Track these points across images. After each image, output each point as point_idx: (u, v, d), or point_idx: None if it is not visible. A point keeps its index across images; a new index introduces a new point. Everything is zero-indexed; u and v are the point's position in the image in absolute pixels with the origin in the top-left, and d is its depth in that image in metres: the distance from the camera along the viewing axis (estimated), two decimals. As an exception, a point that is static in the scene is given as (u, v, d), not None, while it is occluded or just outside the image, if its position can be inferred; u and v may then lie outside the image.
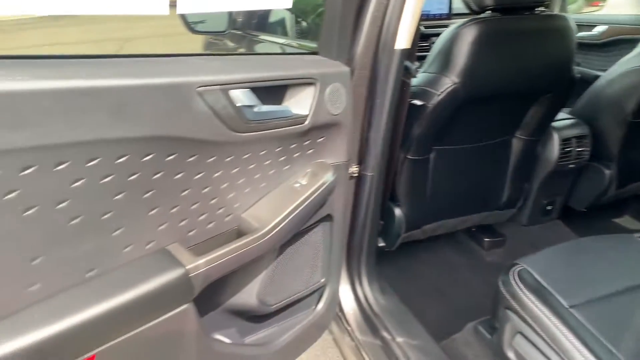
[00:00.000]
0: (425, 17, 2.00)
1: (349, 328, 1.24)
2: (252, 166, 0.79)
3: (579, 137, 1.66)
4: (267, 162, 0.81)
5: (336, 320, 1.28)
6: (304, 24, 2.10)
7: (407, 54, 1.01)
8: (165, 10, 0.71)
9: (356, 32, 0.95)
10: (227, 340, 0.90)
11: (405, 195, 1.47)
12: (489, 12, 1.29)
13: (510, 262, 1.06)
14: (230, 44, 2.23)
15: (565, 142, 1.64)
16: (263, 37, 2.18)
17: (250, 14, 2.15)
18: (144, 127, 0.60)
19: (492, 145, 1.54)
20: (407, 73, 1.10)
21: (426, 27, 1.92)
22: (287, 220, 0.81)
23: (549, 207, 1.83)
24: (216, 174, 0.73)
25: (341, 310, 1.26)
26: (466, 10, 1.41)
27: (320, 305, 1.09)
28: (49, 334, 0.55)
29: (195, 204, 0.72)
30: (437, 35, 1.34)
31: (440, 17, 2.06)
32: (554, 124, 1.64)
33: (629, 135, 1.65)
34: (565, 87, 1.45)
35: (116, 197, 0.61)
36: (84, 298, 0.59)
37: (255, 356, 0.95)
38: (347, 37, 0.93)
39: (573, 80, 1.44)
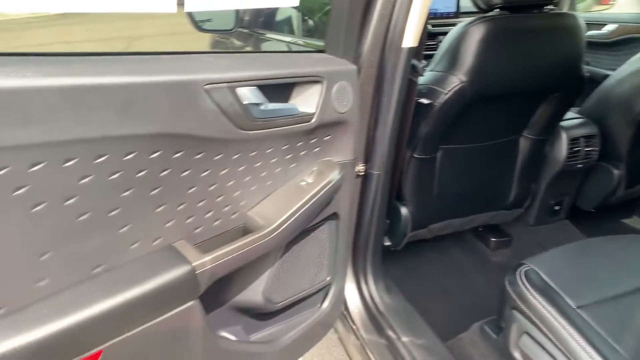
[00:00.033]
0: (432, 15, 2.00)
1: (354, 327, 1.24)
2: (259, 164, 0.79)
3: (588, 137, 1.64)
4: (274, 160, 0.81)
5: (341, 318, 1.28)
6: (310, 22, 2.10)
7: (415, 53, 1.01)
8: (172, 8, 0.71)
9: (363, 30, 0.95)
10: (232, 338, 0.90)
11: (412, 194, 1.46)
12: (497, 10, 1.28)
13: (517, 262, 1.05)
14: (237, 43, 2.23)
15: (573, 141, 1.62)
16: (270, 35, 2.18)
17: (257, 13, 2.16)
18: (151, 124, 0.60)
19: (499, 144, 1.53)
20: (414, 71, 1.09)
21: (433, 26, 1.91)
22: (293, 218, 0.81)
23: (556, 207, 1.82)
24: (223, 172, 0.74)
25: (346, 308, 1.26)
26: (474, 9, 1.40)
27: (326, 303, 1.09)
28: (56, 329, 0.56)
29: (201, 201, 0.73)
30: (445, 33, 1.34)
31: (447, 15, 2.05)
32: (562, 123, 1.62)
33: (638, 135, 1.63)
34: (574, 86, 1.44)
35: (124, 194, 0.61)
36: (91, 294, 0.60)
37: (261, 354, 0.95)
38: (354, 35, 0.93)
39: (582, 79, 1.42)
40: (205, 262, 0.68)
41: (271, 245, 0.80)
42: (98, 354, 0.61)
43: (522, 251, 1.72)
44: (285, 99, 0.81)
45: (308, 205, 0.83)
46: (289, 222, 0.80)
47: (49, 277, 0.57)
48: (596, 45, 2.19)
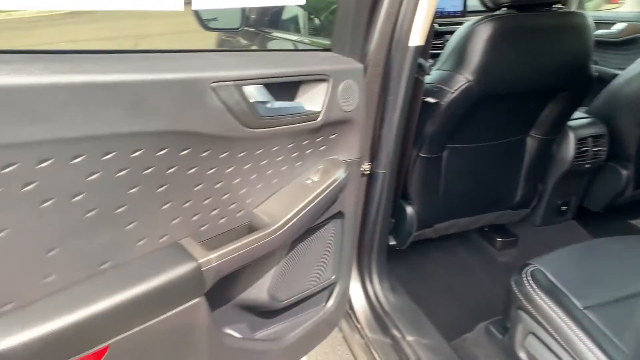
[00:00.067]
0: (439, 14, 1.99)
1: (358, 326, 1.24)
2: (265, 162, 0.79)
3: (596, 137, 1.63)
4: (280, 158, 0.82)
5: (346, 317, 1.28)
6: (316, 21, 2.10)
7: (421, 51, 1.01)
8: (180, 6, 0.71)
9: (370, 28, 0.94)
10: (237, 335, 0.90)
11: (417, 194, 1.46)
12: (505, 9, 1.27)
13: (523, 262, 1.04)
14: (244, 41, 2.24)
15: (581, 141, 1.61)
16: (276, 34, 2.18)
17: (263, 11, 2.16)
18: (158, 121, 0.60)
19: (506, 144, 1.52)
20: (420, 70, 1.09)
21: (440, 25, 1.90)
22: (298, 216, 0.81)
23: (563, 208, 1.81)
24: (229, 170, 0.74)
25: (351, 307, 1.26)
26: (481, 8, 1.39)
27: (331, 302, 1.09)
28: (63, 324, 0.56)
29: (207, 199, 0.73)
30: (451, 32, 1.33)
31: (454, 14, 2.05)
32: (570, 123, 1.61)
33: None
34: (582, 86, 1.43)
35: (130, 191, 0.62)
36: (98, 290, 0.60)
37: (265, 351, 0.95)
38: (360, 33, 0.93)
39: (590, 79, 1.41)
40: (211, 259, 0.69)
41: (276, 243, 0.80)
42: (105, 349, 0.61)
43: (528, 251, 1.71)
44: (291, 97, 0.81)
45: (313, 203, 0.84)
46: (294, 220, 0.81)
47: (56, 273, 0.58)
48: (605, 45, 2.17)
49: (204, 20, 1.72)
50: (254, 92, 0.72)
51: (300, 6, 2.08)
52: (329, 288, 1.09)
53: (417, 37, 0.96)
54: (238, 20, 1.92)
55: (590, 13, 2.13)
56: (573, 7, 2.18)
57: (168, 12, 0.72)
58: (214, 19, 1.80)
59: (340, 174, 0.89)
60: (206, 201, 0.73)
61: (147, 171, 0.62)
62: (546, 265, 1.01)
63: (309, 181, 0.87)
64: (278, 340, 0.98)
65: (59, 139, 0.53)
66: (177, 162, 0.65)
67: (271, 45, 2.19)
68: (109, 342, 0.61)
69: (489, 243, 1.78)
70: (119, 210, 0.61)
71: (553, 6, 1.30)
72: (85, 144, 0.55)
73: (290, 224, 0.80)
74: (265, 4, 2.06)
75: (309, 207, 0.83)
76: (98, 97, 0.55)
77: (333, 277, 1.06)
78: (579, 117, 1.66)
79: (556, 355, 0.91)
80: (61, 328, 0.56)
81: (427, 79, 1.24)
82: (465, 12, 2.06)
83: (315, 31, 2.04)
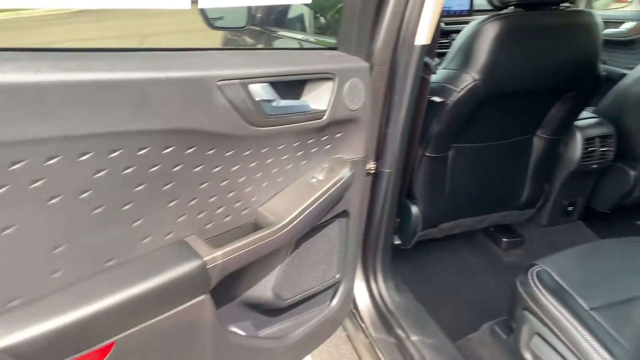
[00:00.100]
0: (445, 13, 1.98)
1: (363, 325, 1.24)
2: (270, 160, 0.79)
3: (603, 137, 1.62)
4: (285, 157, 0.82)
5: (350, 316, 1.28)
6: (322, 20, 2.09)
7: (427, 50, 1.00)
8: (186, 4, 0.71)
9: (376, 27, 0.94)
10: (241, 333, 0.91)
11: (423, 193, 1.45)
12: (512, 7, 1.26)
13: (529, 263, 1.04)
14: (249, 40, 2.24)
15: (588, 141, 1.60)
16: (282, 33, 2.18)
17: (269, 10, 2.16)
18: (165, 119, 0.61)
19: (512, 143, 1.51)
20: (426, 69, 1.08)
21: (447, 24, 1.90)
22: (303, 215, 0.81)
23: (570, 208, 1.79)
24: (234, 168, 0.74)
25: (355, 307, 1.26)
26: (488, 7, 1.39)
27: (335, 301, 1.09)
28: (70, 320, 0.57)
29: (213, 196, 0.73)
30: (458, 31, 1.32)
31: (461, 13, 2.04)
32: (577, 122, 1.60)
33: None
34: (590, 85, 1.41)
35: (137, 189, 0.62)
36: (104, 286, 0.61)
37: (270, 349, 0.96)
38: (366, 32, 0.92)
39: (598, 78, 1.40)
40: (216, 256, 0.69)
41: (281, 242, 0.80)
42: (110, 345, 0.62)
43: (534, 252, 1.70)
44: (297, 96, 0.81)
45: (318, 202, 0.84)
46: (299, 218, 0.81)
47: (63, 270, 0.58)
48: (613, 44, 2.15)
49: (210, 19, 1.72)
50: (260, 91, 0.72)
51: (306, 5, 2.08)
52: (333, 287, 1.09)
53: (423, 35, 0.96)
54: (244, 19, 1.92)
55: (599, 12, 2.11)
56: (581, 6, 2.16)
57: (174, 11, 0.73)
58: (220, 18, 1.80)
59: (345, 173, 0.89)
60: (212, 199, 0.73)
61: (153, 169, 0.62)
62: (552, 266, 1.00)
63: (314, 180, 0.87)
64: (282, 339, 0.98)
65: (66, 137, 0.53)
66: (183, 160, 0.65)
67: (277, 44, 2.19)
68: (114, 338, 0.62)
69: (495, 243, 1.78)
70: (126, 207, 0.62)
71: (561, 5, 1.29)
72: (92, 142, 0.55)
73: (295, 222, 0.80)
74: (271, 2, 2.07)
75: (314, 205, 0.83)
76: (105, 95, 0.55)
77: (337, 276, 1.06)
78: (587, 117, 1.65)
79: (562, 356, 0.90)
80: (68, 324, 0.56)
81: (433, 77, 1.23)
82: (471, 11, 2.05)
83: (321, 30, 2.04)
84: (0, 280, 0.54)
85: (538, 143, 1.56)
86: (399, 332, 1.17)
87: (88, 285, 0.60)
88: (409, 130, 1.08)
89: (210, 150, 0.69)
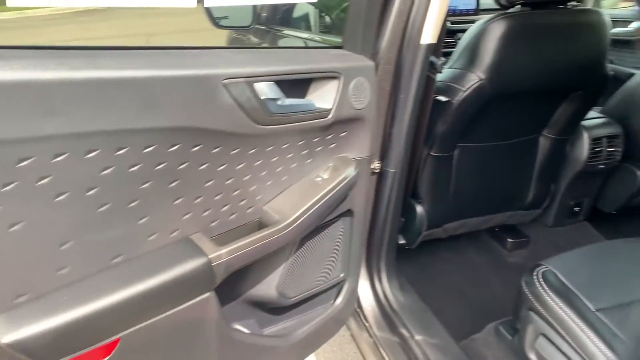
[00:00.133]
0: (451, 12, 1.97)
1: (367, 324, 1.24)
2: (275, 159, 0.80)
3: (611, 137, 1.60)
4: (290, 155, 0.82)
5: (354, 316, 1.28)
6: (327, 19, 2.09)
7: (433, 49, 1.00)
8: (192, 2, 0.72)
9: (381, 26, 0.94)
10: (246, 330, 0.91)
11: (427, 193, 1.45)
12: (519, 7, 1.26)
13: (534, 263, 1.03)
14: (255, 39, 2.24)
15: (595, 141, 1.58)
16: (287, 32, 2.19)
17: (274, 9, 2.16)
18: (171, 117, 0.61)
19: (518, 143, 1.50)
20: (432, 68, 1.08)
21: (452, 23, 1.89)
22: (308, 213, 0.81)
23: (576, 209, 1.78)
24: (239, 166, 0.74)
25: (359, 306, 1.26)
26: (494, 6, 1.38)
27: (339, 300, 1.09)
28: (76, 316, 0.57)
29: (218, 194, 0.73)
30: (464, 31, 1.32)
31: (467, 12, 2.03)
32: (584, 122, 1.59)
33: None
34: (597, 85, 1.40)
35: (143, 186, 0.62)
36: (110, 283, 0.61)
37: (273, 347, 0.96)
38: (372, 31, 0.92)
39: (605, 78, 1.39)
40: (221, 254, 0.69)
41: (286, 240, 0.80)
42: (116, 341, 0.62)
43: (539, 252, 1.69)
44: (302, 94, 0.81)
45: (323, 201, 0.84)
46: (303, 217, 0.81)
47: (69, 266, 0.59)
48: (621, 43, 2.13)
49: (215, 19, 1.73)
50: (265, 89, 0.72)
51: (311, 4, 2.08)
52: (337, 286, 1.09)
53: (429, 34, 0.96)
54: (249, 18, 1.92)
55: (607, 11, 2.10)
56: (589, 5, 2.15)
57: (178, 11, 0.73)
58: (225, 17, 1.80)
59: (350, 172, 0.89)
60: (217, 197, 0.73)
61: (159, 167, 0.63)
62: (558, 266, 0.99)
63: (319, 179, 0.87)
64: (286, 337, 0.98)
65: (74, 134, 0.53)
66: (189, 158, 0.66)
67: (282, 43, 2.19)
68: (120, 334, 0.62)
69: (500, 243, 1.77)
70: (132, 204, 0.62)
71: (568, 3, 1.28)
72: (99, 139, 0.56)
73: (299, 221, 0.80)
74: (277, 1, 2.07)
75: (319, 204, 0.83)
76: (111, 93, 0.55)
77: (342, 275, 1.06)
78: (594, 117, 1.64)
79: (567, 357, 0.90)
80: (73, 320, 0.57)
81: (439, 77, 1.23)
82: (478, 10, 2.04)
83: (326, 29, 2.04)
84: (8, 276, 0.54)
85: (544, 143, 1.55)
86: (403, 331, 1.17)
87: (94, 281, 0.61)
88: (414, 129, 1.08)
89: (216, 148, 0.69)
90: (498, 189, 1.58)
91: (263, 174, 0.79)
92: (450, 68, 1.29)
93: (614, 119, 1.64)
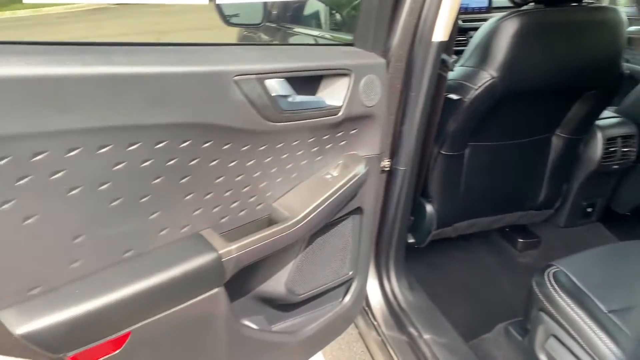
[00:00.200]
0: (463, 10, 1.96)
1: (375, 323, 1.23)
2: (285, 156, 0.80)
3: (625, 137, 1.58)
4: (300, 153, 0.82)
5: (362, 314, 1.28)
6: (338, 16, 2.09)
7: (445, 47, 0.99)
8: (204, 0, 0.72)
9: (393, 23, 0.94)
10: (254, 326, 0.91)
11: (438, 192, 1.44)
12: (532, 4, 1.24)
13: (545, 264, 1.02)
14: (265, 37, 2.25)
15: (609, 141, 1.56)
16: (298, 29, 2.19)
17: (285, 7, 2.16)
18: (182, 113, 0.61)
19: (530, 142, 1.49)
20: (443, 66, 1.07)
21: (464, 21, 1.87)
22: (317, 210, 0.81)
23: (589, 209, 1.76)
24: (249, 163, 0.75)
25: (368, 304, 1.25)
26: (506, 4, 1.36)
27: (347, 297, 1.09)
28: (88, 309, 0.58)
29: (228, 191, 0.74)
30: (476, 29, 1.31)
31: (479, 10, 2.01)
32: (598, 122, 1.56)
33: None
34: (612, 84, 1.38)
35: (154, 182, 0.63)
36: (121, 277, 0.62)
37: (282, 343, 0.96)
38: (383, 28, 0.92)
39: (621, 77, 1.36)
40: (231, 250, 0.70)
41: (295, 237, 0.80)
42: (127, 335, 0.63)
43: (550, 253, 1.67)
44: (312, 91, 0.81)
45: (332, 198, 0.84)
46: (313, 214, 0.81)
47: (81, 260, 0.60)
48: (638, 42, 2.09)
49: (226, 16, 1.73)
50: (276, 86, 0.72)
51: (322, 1, 2.07)
52: (346, 284, 1.09)
53: (440, 32, 0.95)
54: (260, 15, 1.93)
55: (624, 8, 2.06)
56: (605, 2, 2.11)
57: (189, 9, 0.73)
58: (236, 15, 1.81)
59: (360, 170, 0.89)
60: (227, 193, 0.74)
61: (170, 162, 0.63)
62: (569, 267, 0.98)
63: (329, 176, 0.87)
64: (294, 334, 0.99)
65: (87, 129, 0.54)
66: (200, 154, 0.66)
67: (293, 40, 2.19)
68: (131, 328, 0.63)
69: (510, 244, 1.75)
70: (143, 200, 0.63)
71: (583, 1, 1.26)
72: (111, 135, 0.56)
73: (309, 218, 0.80)
74: (288, -1, 2.07)
75: (328, 202, 0.83)
76: (124, 89, 0.56)
77: (350, 273, 1.06)
78: (608, 117, 1.61)
79: (578, 358, 0.89)
80: (85, 313, 0.58)
81: (451, 75, 1.22)
82: (490, 8, 2.02)
83: (336, 26, 2.03)
84: (22, 269, 0.55)
85: (557, 142, 1.53)
86: (412, 330, 1.17)
87: (106, 275, 0.61)
88: (424, 127, 1.08)
89: (226, 144, 0.69)
90: (509, 188, 1.57)
91: (273, 170, 0.79)
92: (462, 66, 1.28)
93: (629, 118, 1.61)
